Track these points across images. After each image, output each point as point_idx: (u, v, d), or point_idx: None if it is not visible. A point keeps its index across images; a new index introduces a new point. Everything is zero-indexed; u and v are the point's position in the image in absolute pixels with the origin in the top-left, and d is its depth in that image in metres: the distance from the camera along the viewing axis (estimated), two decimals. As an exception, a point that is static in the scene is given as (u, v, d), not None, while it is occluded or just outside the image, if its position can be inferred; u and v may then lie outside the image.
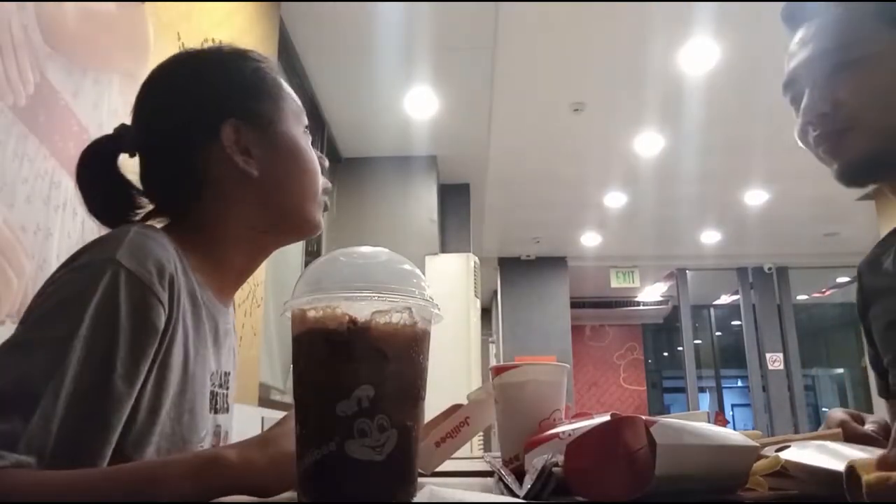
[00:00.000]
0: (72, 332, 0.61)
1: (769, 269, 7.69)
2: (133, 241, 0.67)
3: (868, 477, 0.39)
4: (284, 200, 0.84)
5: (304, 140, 0.86)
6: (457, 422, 0.76)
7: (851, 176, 0.89)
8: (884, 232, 1.02)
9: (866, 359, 1.08)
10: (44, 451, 0.57)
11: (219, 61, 0.85)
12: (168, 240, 0.73)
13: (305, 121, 0.88)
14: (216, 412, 0.82)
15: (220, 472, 0.56)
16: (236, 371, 0.95)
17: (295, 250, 3.65)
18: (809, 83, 0.90)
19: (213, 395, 0.81)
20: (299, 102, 0.89)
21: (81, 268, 0.65)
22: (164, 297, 0.67)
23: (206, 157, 0.80)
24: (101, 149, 0.83)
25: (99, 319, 0.62)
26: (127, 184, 0.83)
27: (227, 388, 0.87)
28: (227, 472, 0.56)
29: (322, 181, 0.88)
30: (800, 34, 0.93)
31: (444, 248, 4.83)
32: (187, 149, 0.80)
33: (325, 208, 0.89)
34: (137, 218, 0.83)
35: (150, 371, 0.67)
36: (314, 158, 0.86)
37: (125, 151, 0.82)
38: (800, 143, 0.94)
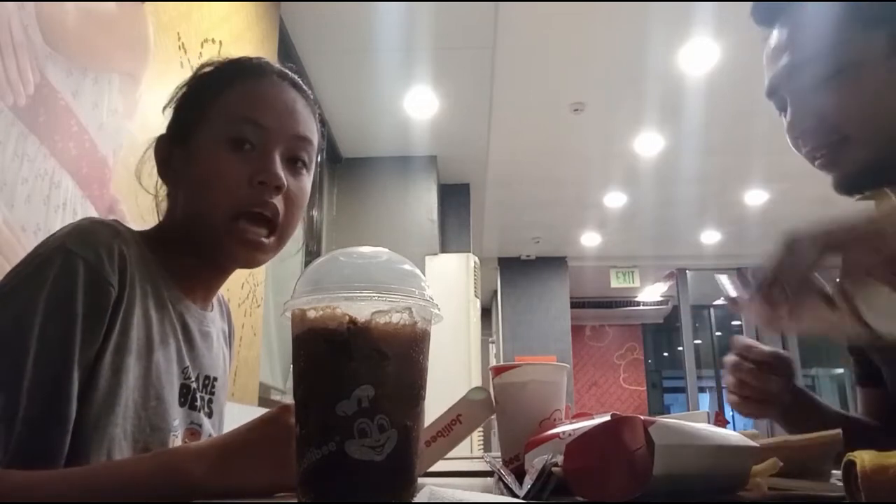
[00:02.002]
0: (26, 322, 0.62)
1: (769, 269, 7.68)
2: (83, 228, 0.70)
3: (863, 463, 0.39)
4: (187, 218, 0.80)
5: (216, 151, 0.77)
6: (448, 420, 0.71)
7: (850, 187, 0.85)
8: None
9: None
10: (8, 446, 0.59)
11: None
12: (125, 227, 0.75)
13: (239, 131, 0.77)
14: (192, 409, 0.82)
15: (182, 486, 0.58)
16: (229, 376, 0.95)
17: (295, 250, 3.65)
18: (791, 95, 0.85)
19: (188, 389, 0.81)
20: (242, 109, 0.79)
21: (33, 258, 0.67)
22: (114, 279, 0.69)
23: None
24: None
25: (52, 306, 0.64)
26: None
27: (213, 394, 0.87)
28: (190, 485, 0.58)
29: (249, 201, 0.76)
30: (775, 37, 0.88)
31: (444, 248, 4.82)
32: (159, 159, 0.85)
33: (249, 239, 0.77)
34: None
35: (104, 351, 0.67)
36: (223, 179, 0.76)
37: None
38: (794, 150, 0.91)
